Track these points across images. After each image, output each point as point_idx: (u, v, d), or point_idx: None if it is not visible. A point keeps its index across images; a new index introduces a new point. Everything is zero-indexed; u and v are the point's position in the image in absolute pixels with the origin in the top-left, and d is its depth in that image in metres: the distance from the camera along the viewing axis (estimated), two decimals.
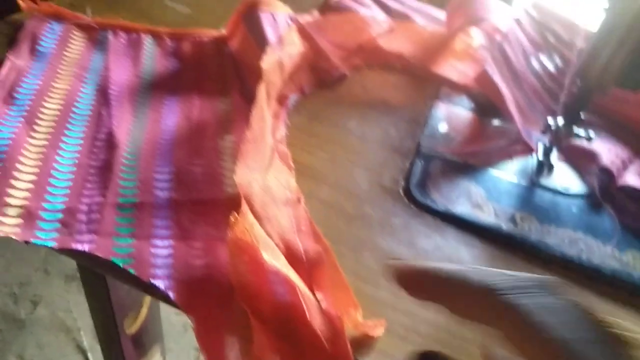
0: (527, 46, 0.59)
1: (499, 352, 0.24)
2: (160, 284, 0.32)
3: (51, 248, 0.33)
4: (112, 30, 0.53)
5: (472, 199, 0.45)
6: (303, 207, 0.39)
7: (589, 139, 0.48)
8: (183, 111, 0.46)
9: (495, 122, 0.55)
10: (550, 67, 0.60)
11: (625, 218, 0.46)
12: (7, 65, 0.45)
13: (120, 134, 0.42)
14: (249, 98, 0.47)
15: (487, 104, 0.55)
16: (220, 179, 0.40)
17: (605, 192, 0.48)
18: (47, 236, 0.33)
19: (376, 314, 0.34)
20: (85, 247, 0.33)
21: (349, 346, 0.30)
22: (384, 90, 0.56)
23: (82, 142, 0.41)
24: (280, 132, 0.46)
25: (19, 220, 0.34)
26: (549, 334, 0.20)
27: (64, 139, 0.41)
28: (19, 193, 0.35)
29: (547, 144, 0.51)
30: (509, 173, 0.49)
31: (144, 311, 0.68)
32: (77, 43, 0.51)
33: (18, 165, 0.37)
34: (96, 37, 0.52)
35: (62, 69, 0.47)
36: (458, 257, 0.40)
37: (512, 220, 0.44)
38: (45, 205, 0.35)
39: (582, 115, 0.48)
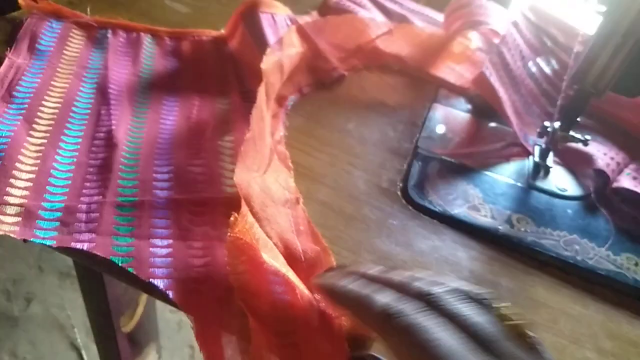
0: (524, 49, 0.60)
1: None
2: (159, 283, 0.32)
3: (50, 246, 0.33)
4: (112, 29, 0.53)
5: (469, 200, 0.45)
6: (302, 208, 0.39)
7: (585, 142, 0.48)
8: (182, 111, 0.46)
9: (493, 124, 0.55)
10: (547, 70, 0.60)
11: (620, 220, 0.47)
12: (6, 63, 0.45)
13: (119, 133, 0.42)
14: (248, 98, 0.48)
15: (484, 106, 0.55)
16: (220, 179, 0.40)
17: (600, 195, 0.49)
18: (46, 235, 0.33)
19: None
20: (84, 246, 0.33)
21: (346, 346, 0.30)
22: (382, 92, 0.57)
23: (81, 140, 0.41)
24: (279, 133, 0.46)
25: (18, 219, 0.34)
26: (437, 350, 0.22)
27: (63, 137, 0.41)
28: (18, 191, 0.35)
29: (544, 147, 0.51)
30: (505, 175, 0.49)
31: (139, 309, 0.68)
32: (77, 41, 0.51)
33: (17, 164, 0.37)
34: (95, 36, 0.52)
35: (61, 68, 0.47)
36: (455, 258, 0.40)
37: (509, 221, 0.44)
38: (44, 204, 0.35)
39: (579, 119, 0.48)
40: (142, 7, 0.59)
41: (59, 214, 0.35)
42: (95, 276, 0.59)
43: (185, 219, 0.36)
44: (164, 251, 0.34)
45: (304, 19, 0.58)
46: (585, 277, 0.42)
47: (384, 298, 0.26)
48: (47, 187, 0.36)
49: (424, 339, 0.23)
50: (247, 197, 0.35)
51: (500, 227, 0.43)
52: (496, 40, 0.61)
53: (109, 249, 0.33)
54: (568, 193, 0.49)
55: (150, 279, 0.32)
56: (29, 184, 0.36)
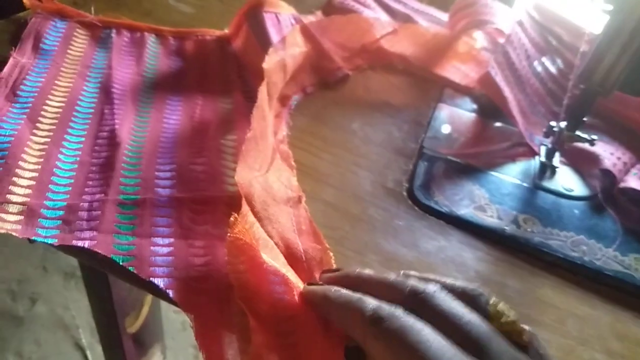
0: (529, 48, 0.59)
1: None
2: (159, 282, 0.32)
3: (52, 245, 0.33)
4: (116, 29, 0.53)
5: (476, 201, 0.45)
6: (304, 207, 0.39)
7: (592, 141, 0.48)
8: (185, 110, 0.46)
9: (498, 124, 0.55)
10: (553, 70, 0.60)
11: (627, 221, 0.46)
12: (11, 62, 0.45)
13: (122, 132, 0.42)
14: (251, 98, 0.47)
15: (490, 106, 0.55)
16: (222, 177, 0.40)
17: (607, 195, 0.48)
18: (48, 233, 0.33)
19: None
20: (85, 244, 0.33)
21: (346, 347, 0.30)
22: (386, 92, 0.56)
23: (84, 139, 0.41)
24: (282, 132, 0.46)
25: (20, 217, 0.33)
26: (428, 353, 0.22)
27: (66, 136, 0.41)
28: (20, 190, 0.35)
29: (550, 147, 0.51)
30: (511, 175, 0.49)
31: (145, 310, 0.68)
32: (81, 41, 0.51)
33: (20, 163, 0.37)
34: (99, 36, 0.52)
35: (65, 67, 0.47)
36: (461, 259, 0.40)
37: (515, 222, 0.44)
38: (46, 202, 0.35)
39: (585, 118, 0.48)
40: (146, 7, 0.60)
41: (61, 212, 0.35)
42: (100, 277, 0.59)
43: (186, 218, 0.36)
44: (165, 250, 0.34)
45: (308, 19, 0.58)
46: (593, 278, 0.41)
47: (373, 301, 0.26)
48: (49, 185, 0.36)
49: (414, 340, 0.23)
50: (248, 196, 0.35)
51: (506, 228, 0.43)
52: (501, 40, 0.60)
53: (110, 247, 0.33)
54: (575, 193, 0.48)
55: (151, 278, 0.32)
56: (32, 182, 0.36)
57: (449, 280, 0.27)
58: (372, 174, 0.46)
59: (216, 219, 0.37)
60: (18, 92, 0.42)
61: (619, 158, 0.50)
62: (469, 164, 0.49)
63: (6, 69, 0.44)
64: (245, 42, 0.54)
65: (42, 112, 0.42)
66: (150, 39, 0.53)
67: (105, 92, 0.46)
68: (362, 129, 0.50)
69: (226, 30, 0.56)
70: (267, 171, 0.40)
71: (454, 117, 0.55)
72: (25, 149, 0.38)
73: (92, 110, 0.44)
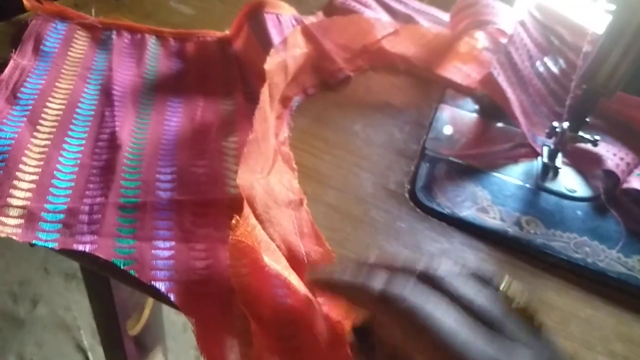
0: (531, 49, 0.59)
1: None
2: (161, 286, 0.32)
3: (52, 249, 0.33)
4: (116, 31, 0.53)
5: (478, 202, 0.45)
6: (305, 209, 0.39)
7: (595, 142, 0.48)
8: (186, 112, 0.46)
9: (500, 124, 0.55)
10: (555, 70, 0.60)
11: (631, 222, 0.46)
12: (11, 65, 0.45)
13: (123, 134, 0.42)
14: (253, 99, 0.47)
15: (492, 106, 0.55)
16: (223, 180, 0.40)
17: (610, 196, 0.48)
18: (48, 237, 0.33)
19: None
20: (86, 248, 0.33)
21: (349, 351, 0.30)
22: (388, 93, 0.56)
23: (84, 142, 0.41)
24: (284, 134, 0.46)
25: (21, 221, 0.33)
26: (439, 334, 0.22)
27: (66, 139, 0.40)
28: (21, 193, 0.35)
29: (552, 147, 0.50)
30: (514, 176, 0.48)
31: (146, 312, 0.67)
32: (81, 43, 0.51)
33: (21, 166, 0.37)
34: (100, 37, 0.52)
35: (65, 69, 0.47)
36: (463, 261, 0.40)
37: (518, 224, 0.43)
38: (47, 206, 0.35)
39: (588, 119, 0.48)
40: (146, 8, 0.59)
41: (61, 216, 0.35)
42: (102, 279, 0.59)
43: (187, 221, 0.36)
44: (166, 253, 0.34)
45: (310, 19, 0.58)
46: (596, 280, 0.41)
47: (382, 281, 0.25)
48: (50, 189, 0.36)
49: (424, 322, 0.22)
50: (250, 198, 0.35)
51: (509, 229, 0.43)
52: (503, 40, 0.60)
53: (111, 251, 0.33)
54: (577, 194, 0.48)
55: (152, 282, 0.31)
56: (32, 186, 0.36)
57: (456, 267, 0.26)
58: (373, 175, 0.46)
59: (218, 221, 0.36)
60: (18, 95, 0.42)
61: (622, 159, 0.50)
62: (471, 165, 0.49)
63: (6, 71, 0.44)
64: (246, 43, 0.53)
65: (43, 115, 0.41)
66: (151, 41, 0.53)
67: (106, 94, 0.46)
68: (363, 130, 0.50)
69: (227, 32, 0.56)
70: (268, 173, 0.39)
71: (455, 118, 0.54)
72: (26, 152, 0.38)
73: (93, 113, 0.44)
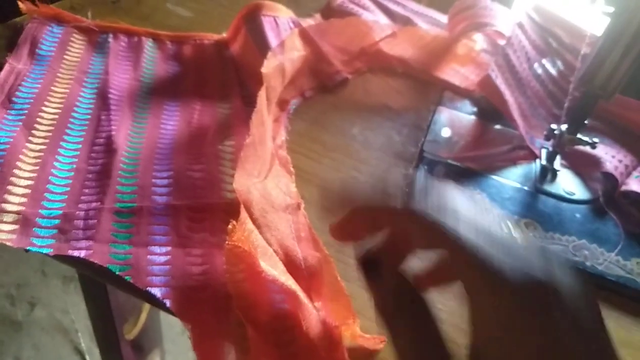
0: (530, 51, 0.59)
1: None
2: (156, 291, 0.31)
3: (47, 255, 0.32)
4: (113, 34, 0.53)
5: None
6: (303, 213, 0.39)
7: (593, 144, 0.48)
8: (183, 116, 0.46)
9: (498, 127, 0.55)
10: (553, 72, 0.60)
11: (629, 224, 0.46)
12: (7, 68, 0.44)
13: (119, 138, 0.41)
14: (250, 102, 0.47)
15: (490, 108, 0.54)
16: (220, 184, 0.39)
17: (609, 198, 0.48)
18: (43, 243, 0.33)
19: (381, 324, 0.34)
20: (81, 254, 0.32)
21: (346, 356, 0.30)
22: (386, 95, 0.56)
23: (80, 146, 0.41)
24: (281, 137, 0.45)
25: (15, 227, 0.33)
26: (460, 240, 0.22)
27: (62, 143, 0.40)
28: (15, 199, 0.35)
29: (551, 150, 0.50)
30: (512, 179, 0.48)
31: (143, 316, 0.67)
32: (77, 46, 0.50)
33: (15, 171, 0.36)
34: (96, 40, 0.52)
35: (61, 73, 0.47)
36: None
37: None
38: (42, 211, 0.35)
39: (586, 121, 0.47)
40: (143, 11, 0.59)
41: (56, 221, 0.34)
42: (99, 283, 0.58)
43: (184, 226, 0.36)
44: (162, 259, 0.33)
45: (307, 22, 0.58)
46: (595, 283, 0.41)
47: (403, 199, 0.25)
48: (45, 194, 0.36)
49: (448, 233, 0.23)
50: (247, 203, 0.35)
51: None
52: (501, 42, 0.60)
53: (107, 257, 0.33)
54: (576, 197, 0.48)
55: (148, 288, 0.31)
56: (27, 191, 0.36)
57: None
58: (372, 178, 0.45)
59: (214, 226, 0.36)
60: (13, 99, 0.42)
61: (620, 161, 0.50)
62: (469, 168, 0.48)
63: (2, 75, 0.44)
64: (244, 46, 0.53)
65: (38, 119, 0.41)
66: (148, 44, 0.53)
67: (102, 98, 0.45)
68: (361, 133, 0.50)
69: (224, 35, 0.56)
70: (265, 177, 0.39)
71: (453, 121, 0.54)
72: (21, 156, 0.38)
73: (89, 117, 0.43)
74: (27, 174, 0.37)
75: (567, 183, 0.49)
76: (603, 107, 0.54)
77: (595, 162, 0.50)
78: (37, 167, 0.37)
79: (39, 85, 0.44)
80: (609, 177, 0.49)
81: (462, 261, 0.23)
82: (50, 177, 0.37)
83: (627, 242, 0.44)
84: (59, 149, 0.40)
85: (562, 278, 0.23)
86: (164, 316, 0.83)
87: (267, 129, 0.42)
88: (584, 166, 0.50)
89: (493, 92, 0.53)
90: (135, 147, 0.41)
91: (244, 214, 0.33)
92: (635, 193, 0.47)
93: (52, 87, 0.45)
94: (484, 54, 0.61)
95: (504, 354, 0.22)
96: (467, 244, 0.22)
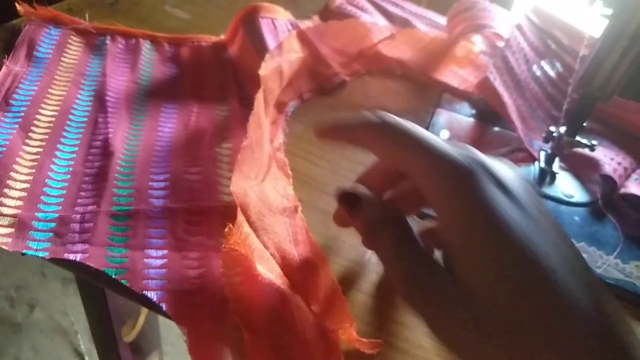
0: (528, 52, 0.59)
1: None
2: (153, 295, 0.31)
3: (43, 258, 0.32)
4: (110, 36, 0.52)
5: None
6: (300, 216, 0.38)
7: (592, 147, 0.47)
8: (180, 118, 0.46)
9: (497, 129, 0.54)
10: (552, 74, 0.60)
11: (628, 227, 0.45)
12: (4, 71, 0.44)
13: (116, 141, 0.41)
14: (248, 105, 0.47)
15: (488, 111, 0.54)
16: (217, 187, 0.39)
17: (608, 201, 0.48)
18: (39, 246, 0.33)
19: (378, 327, 0.34)
20: (77, 257, 0.32)
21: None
22: (384, 97, 0.56)
23: (77, 149, 0.40)
24: (279, 140, 0.45)
25: (11, 230, 0.33)
26: (434, 149, 0.25)
27: (59, 146, 0.40)
28: (11, 202, 0.35)
29: (549, 152, 0.50)
30: None
31: (141, 319, 0.67)
32: (75, 48, 0.50)
33: (12, 174, 0.36)
34: (94, 43, 0.51)
35: (59, 75, 0.47)
36: None
37: None
38: (38, 214, 0.34)
39: (585, 123, 0.47)
40: (141, 13, 0.59)
41: (52, 224, 0.34)
42: (96, 286, 0.58)
43: (180, 229, 0.36)
44: (159, 262, 0.33)
45: (305, 24, 0.58)
46: None
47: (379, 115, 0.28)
48: (41, 197, 0.36)
49: (419, 137, 0.26)
50: (244, 206, 0.34)
51: None
52: (500, 44, 0.60)
53: (103, 260, 0.32)
54: (575, 199, 0.47)
55: (144, 291, 0.31)
56: (23, 194, 0.35)
57: None
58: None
59: (211, 229, 0.36)
60: (10, 101, 0.42)
61: (619, 163, 0.50)
62: None
63: None
64: (242, 48, 0.53)
65: (35, 122, 0.41)
66: (145, 46, 0.53)
67: (100, 100, 0.45)
68: None
69: (222, 37, 0.55)
70: (263, 180, 0.39)
71: (452, 123, 0.54)
72: (17, 159, 0.37)
73: (86, 119, 0.43)
74: (23, 177, 0.36)
75: (566, 186, 0.49)
76: (602, 109, 0.54)
77: (594, 164, 0.50)
78: (34, 170, 0.37)
79: (36, 88, 0.44)
80: (607, 180, 0.49)
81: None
82: (46, 180, 0.37)
83: (626, 245, 0.44)
84: (55, 152, 0.39)
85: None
86: (162, 318, 0.82)
87: (265, 131, 0.42)
88: (583, 169, 0.50)
89: (491, 94, 0.53)
90: (132, 150, 0.41)
91: (240, 217, 0.33)
92: (634, 196, 0.47)
93: (49, 90, 0.45)
94: (482, 55, 0.61)
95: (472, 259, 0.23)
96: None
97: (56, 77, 0.46)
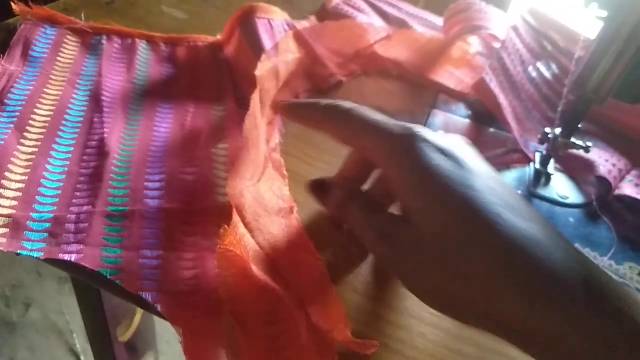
0: (524, 54, 0.59)
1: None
2: (148, 296, 0.31)
3: (38, 259, 0.32)
4: (107, 35, 0.52)
5: None
6: (296, 217, 0.39)
7: (587, 148, 0.48)
8: (176, 118, 0.46)
9: (493, 130, 0.55)
10: (548, 75, 0.60)
11: (622, 229, 0.46)
12: None
13: (111, 141, 0.41)
14: (244, 105, 0.47)
15: (484, 112, 0.54)
16: (213, 187, 0.39)
17: (602, 203, 0.48)
18: (34, 247, 0.33)
19: (372, 328, 0.34)
20: (72, 258, 0.32)
21: None
22: (381, 98, 0.56)
23: (73, 149, 0.40)
24: (275, 140, 0.45)
25: (5, 230, 0.33)
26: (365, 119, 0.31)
27: (54, 146, 0.40)
28: (6, 202, 0.34)
29: (545, 153, 0.50)
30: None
31: (137, 319, 0.67)
32: (71, 48, 0.50)
33: (7, 174, 0.36)
34: (90, 42, 0.51)
35: (54, 75, 0.46)
36: None
37: None
38: (33, 214, 0.34)
39: (580, 125, 0.48)
40: (138, 13, 0.59)
41: (47, 224, 0.34)
42: (92, 286, 0.58)
43: (176, 229, 0.35)
44: (154, 262, 0.33)
45: (302, 24, 0.58)
46: None
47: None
48: (36, 197, 0.36)
49: (359, 114, 0.32)
50: (239, 207, 0.34)
51: None
52: (496, 45, 0.60)
53: (98, 261, 0.32)
54: (570, 201, 0.48)
55: (139, 292, 0.31)
56: (18, 194, 0.35)
57: None
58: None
59: (206, 230, 0.36)
60: (5, 101, 0.42)
61: (614, 165, 0.50)
62: None
63: None
64: (238, 48, 0.53)
65: (30, 122, 0.41)
66: (142, 46, 0.53)
67: (95, 100, 0.45)
68: None
69: (219, 37, 0.55)
70: (258, 181, 0.39)
71: (448, 124, 0.54)
72: (12, 159, 0.37)
73: (82, 119, 0.43)
74: (18, 177, 0.36)
75: (561, 187, 0.49)
76: (597, 110, 0.54)
77: (589, 166, 0.50)
78: (29, 170, 0.37)
79: (32, 87, 0.44)
80: (602, 181, 0.49)
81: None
82: (41, 180, 0.37)
83: (620, 246, 0.44)
84: (51, 152, 0.39)
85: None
86: (158, 317, 0.82)
87: (261, 132, 0.42)
88: (578, 170, 0.50)
89: (487, 95, 0.53)
90: (128, 150, 0.41)
91: (236, 217, 0.33)
92: (629, 197, 0.47)
93: (45, 89, 0.45)
94: (479, 56, 0.61)
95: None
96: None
97: (52, 76, 0.46)
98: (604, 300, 0.23)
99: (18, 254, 0.32)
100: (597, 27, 0.43)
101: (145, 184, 0.38)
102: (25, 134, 0.40)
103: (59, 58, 0.48)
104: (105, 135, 0.41)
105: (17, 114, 0.41)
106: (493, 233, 0.25)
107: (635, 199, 0.47)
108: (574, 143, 0.48)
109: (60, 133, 0.41)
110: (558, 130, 0.48)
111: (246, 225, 0.34)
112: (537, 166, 0.50)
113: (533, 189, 0.48)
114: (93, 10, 0.56)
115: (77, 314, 1.20)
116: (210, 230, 0.36)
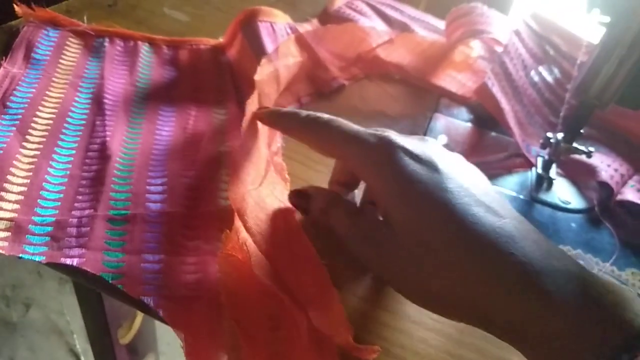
0: (526, 58, 0.59)
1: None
2: (149, 300, 0.31)
3: (39, 262, 0.32)
4: (109, 38, 0.52)
5: None
6: (297, 222, 0.38)
7: (589, 153, 0.48)
8: (178, 121, 0.46)
9: (494, 134, 0.55)
10: (550, 80, 0.60)
11: (624, 234, 0.46)
12: (1, 72, 0.44)
13: (113, 144, 0.41)
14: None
15: (486, 116, 0.54)
16: (215, 191, 0.39)
17: (604, 208, 0.48)
18: (35, 250, 0.33)
19: (373, 333, 0.34)
20: (74, 262, 0.32)
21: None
22: (383, 102, 0.56)
23: (75, 152, 0.40)
24: (277, 144, 0.45)
25: (7, 234, 0.33)
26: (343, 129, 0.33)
27: (56, 149, 0.40)
28: (8, 205, 0.34)
29: (547, 158, 0.50)
30: (507, 187, 0.48)
31: (137, 321, 0.67)
32: (73, 50, 0.50)
33: (9, 177, 0.36)
34: (92, 45, 0.51)
35: (57, 77, 0.47)
36: None
37: None
38: (35, 218, 0.34)
39: (582, 130, 0.47)
40: (140, 15, 0.59)
41: (49, 228, 0.34)
42: (92, 289, 0.58)
43: (177, 233, 0.35)
44: (155, 267, 0.33)
45: (304, 27, 0.58)
46: None
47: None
48: (38, 200, 0.36)
49: (337, 125, 0.33)
50: (241, 211, 0.34)
51: None
52: (498, 49, 0.60)
53: (99, 265, 0.32)
54: (571, 206, 0.48)
55: (140, 296, 0.31)
56: (20, 197, 0.35)
57: None
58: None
59: (208, 234, 0.36)
60: (8, 104, 0.42)
61: (616, 170, 0.50)
62: None
63: None
64: (240, 51, 0.53)
65: (32, 124, 0.41)
66: (144, 48, 0.53)
67: (97, 103, 0.45)
68: None
69: (221, 40, 0.55)
70: (260, 185, 0.39)
71: (450, 128, 0.54)
72: (14, 162, 0.37)
73: (84, 122, 0.43)
74: (20, 180, 0.36)
75: (563, 192, 0.49)
76: (599, 115, 0.54)
77: (591, 171, 0.50)
78: (31, 174, 0.37)
79: (34, 90, 0.44)
80: (604, 186, 0.49)
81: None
82: (43, 184, 0.37)
83: (622, 252, 0.44)
84: (53, 155, 0.39)
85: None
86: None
87: (262, 136, 0.42)
88: (580, 175, 0.50)
89: (489, 99, 0.53)
90: (130, 154, 0.41)
91: (237, 222, 0.33)
92: (631, 202, 0.47)
93: (47, 92, 0.45)
94: (480, 60, 0.61)
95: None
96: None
97: (54, 79, 0.46)
98: (576, 287, 0.25)
99: (20, 258, 0.32)
100: (599, 32, 0.43)
101: (147, 187, 0.38)
102: (27, 137, 0.40)
103: (61, 60, 0.48)
104: (107, 139, 0.41)
105: (20, 116, 0.41)
106: (467, 232, 0.26)
107: (637, 204, 0.47)
108: (576, 148, 0.48)
109: (62, 136, 0.41)
110: (560, 135, 0.48)
111: (247, 229, 0.34)
112: (539, 171, 0.50)
113: (535, 194, 0.48)
114: (95, 12, 0.56)
115: (78, 314, 1.20)
116: (212, 234, 0.36)
